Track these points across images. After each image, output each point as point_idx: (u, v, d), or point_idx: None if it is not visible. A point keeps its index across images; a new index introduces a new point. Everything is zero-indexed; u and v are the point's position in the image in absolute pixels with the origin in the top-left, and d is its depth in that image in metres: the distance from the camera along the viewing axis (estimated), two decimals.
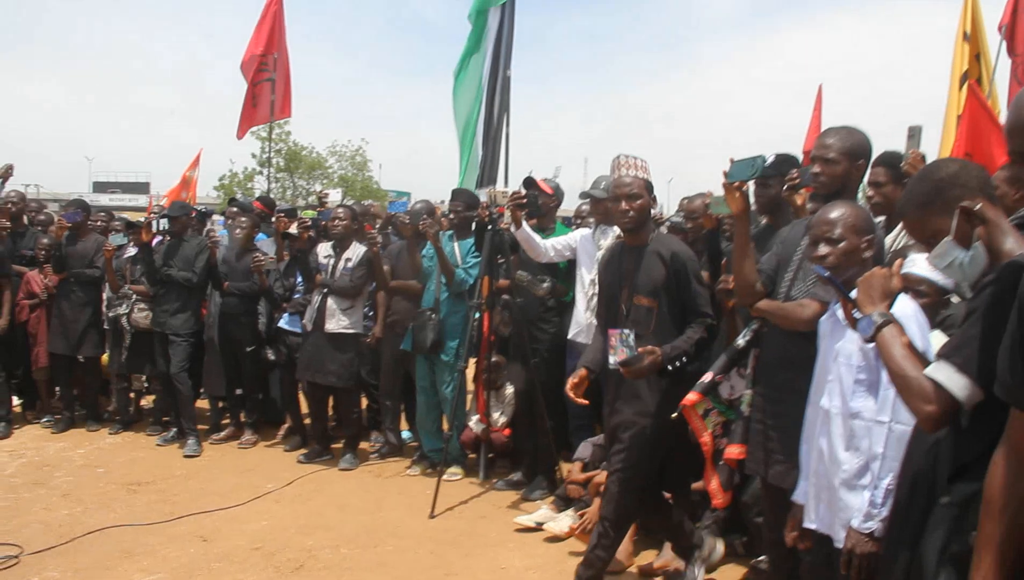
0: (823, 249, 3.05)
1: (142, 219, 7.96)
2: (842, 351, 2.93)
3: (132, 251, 7.86)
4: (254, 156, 40.92)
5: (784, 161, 4.80)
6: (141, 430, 8.08)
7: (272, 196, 13.87)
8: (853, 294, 2.56)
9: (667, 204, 25.97)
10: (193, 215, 7.79)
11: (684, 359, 4.11)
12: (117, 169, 76.49)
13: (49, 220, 9.25)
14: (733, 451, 3.90)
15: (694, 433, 4.06)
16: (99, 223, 8.45)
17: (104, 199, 54.54)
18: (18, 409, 8.48)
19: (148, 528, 5.55)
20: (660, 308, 4.18)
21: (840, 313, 2.83)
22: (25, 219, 8.72)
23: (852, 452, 2.88)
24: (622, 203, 4.22)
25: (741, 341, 4.00)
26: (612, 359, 4.22)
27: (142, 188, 60.09)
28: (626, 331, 4.17)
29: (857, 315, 2.49)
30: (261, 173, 41.68)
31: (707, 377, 4.04)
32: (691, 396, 4.03)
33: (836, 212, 3.08)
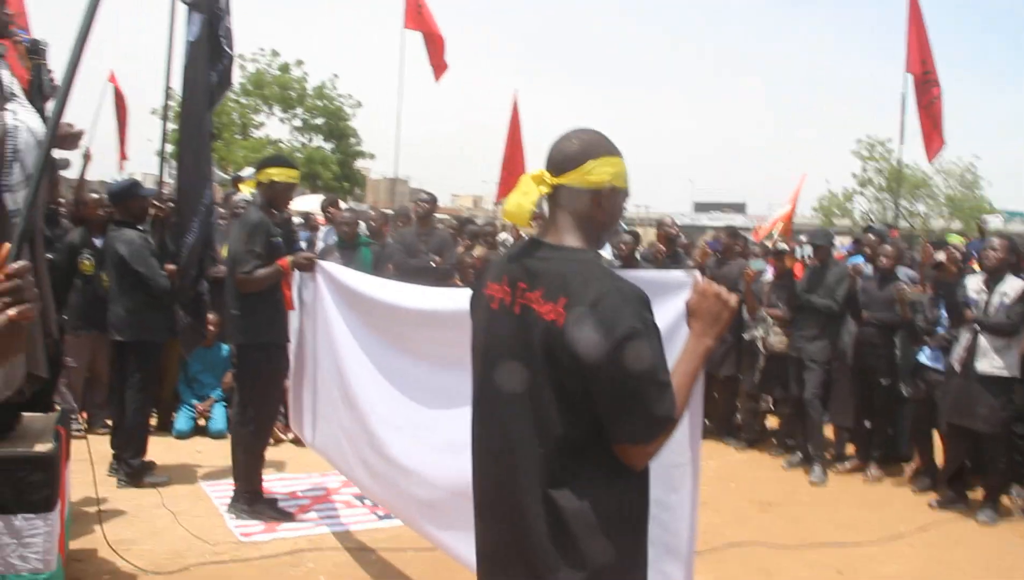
0: None
1: (784, 246, 8.14)
2: None
3: (770, 276, 8.12)
4: (854, 176, 39.79)
5: None
6: (764, 449, 8.33)
7: (872, 218, 13.53)
8: None
9: None
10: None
11: None
12: (716, 189, 79.68)
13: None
14: None
15: None
16: (737, 248, 8.90)
17: (704, 218, 56.88)
18: None
19: (783, 550, 5.69)
20: None
21: None
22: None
23: None
24: None
25: None
26: None
27: (739, 208, 62.04)
28: None
29: None
30: (861, 193, 40.44)
31: None
32: None
33: None
